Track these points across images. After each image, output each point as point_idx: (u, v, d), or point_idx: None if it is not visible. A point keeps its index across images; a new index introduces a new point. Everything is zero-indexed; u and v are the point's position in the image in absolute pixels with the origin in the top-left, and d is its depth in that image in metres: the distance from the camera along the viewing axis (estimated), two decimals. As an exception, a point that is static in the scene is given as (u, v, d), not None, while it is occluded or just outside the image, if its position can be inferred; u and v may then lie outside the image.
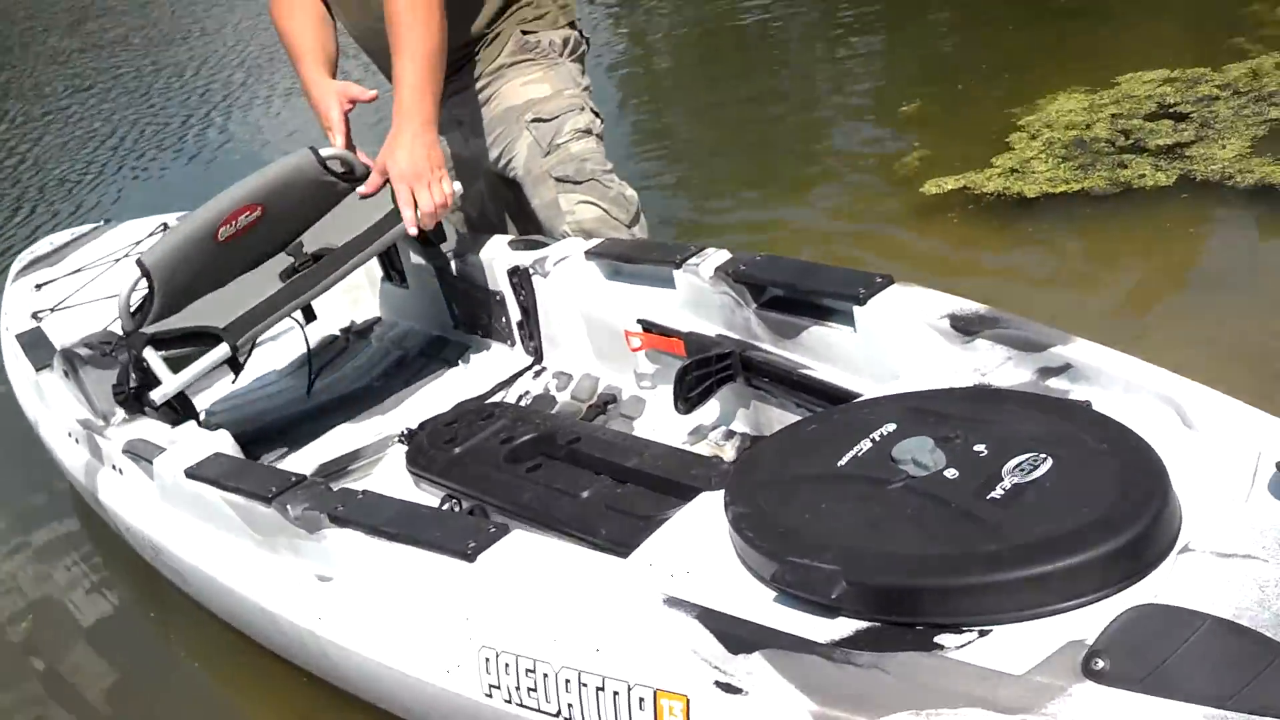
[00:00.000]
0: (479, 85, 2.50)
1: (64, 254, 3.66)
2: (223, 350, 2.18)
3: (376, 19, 2.32)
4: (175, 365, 2.24)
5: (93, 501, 2.49)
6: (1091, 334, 1.78)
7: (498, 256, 2.46)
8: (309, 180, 2.33)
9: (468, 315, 2.64)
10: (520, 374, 2.48)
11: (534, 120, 2.44)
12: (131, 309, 2.25)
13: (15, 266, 3.75)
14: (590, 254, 2.34)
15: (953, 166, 3.69)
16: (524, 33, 2.49)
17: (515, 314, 2.47)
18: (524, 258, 2.42)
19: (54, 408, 2.59)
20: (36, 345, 2.87)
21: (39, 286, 3.44)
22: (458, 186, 2.31)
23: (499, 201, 2.69)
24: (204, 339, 2.21)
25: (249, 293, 2.24)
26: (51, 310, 3.25)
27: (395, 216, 2.26)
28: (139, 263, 2.22)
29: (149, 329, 2.22)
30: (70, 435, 2.48)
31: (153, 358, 2.18)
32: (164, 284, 2.21)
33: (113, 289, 3.45)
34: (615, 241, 2.39)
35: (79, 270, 3.52)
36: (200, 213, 2.26)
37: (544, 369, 2.48)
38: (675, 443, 2.14)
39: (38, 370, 2.74)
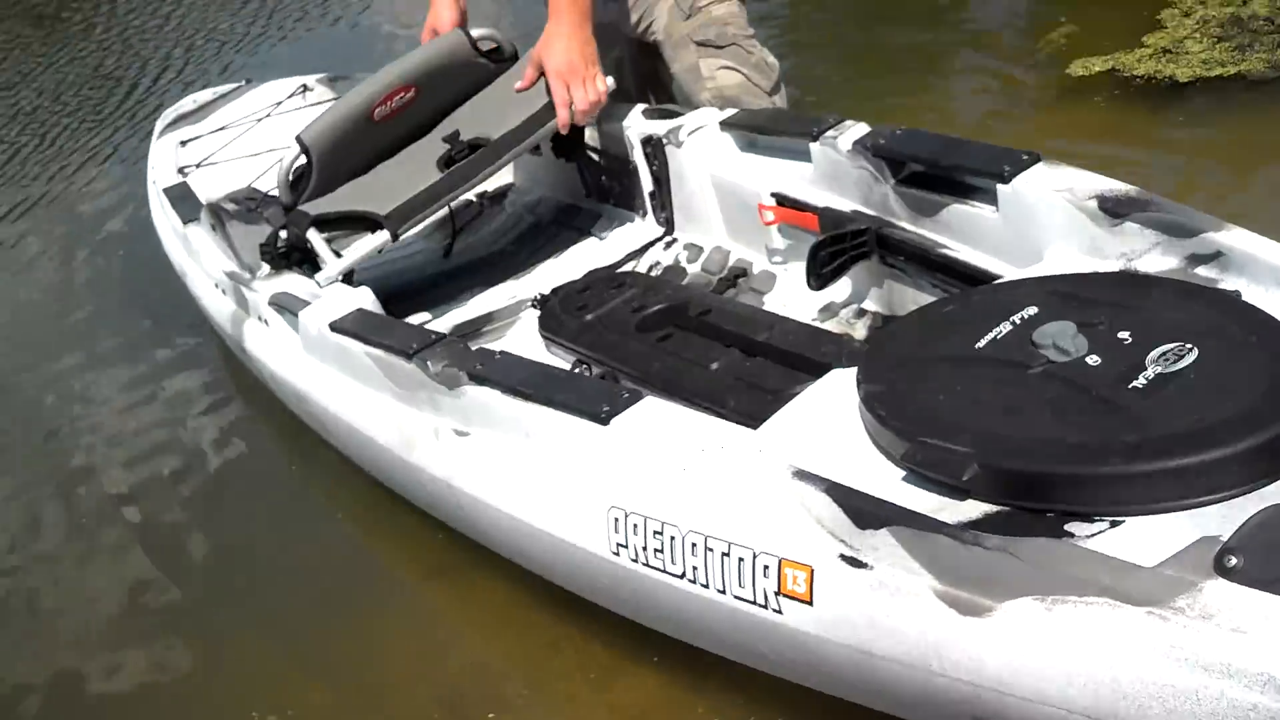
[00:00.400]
0: None
1: (207, 112, 3.76)
2: (383, 236, 2.25)
3: None
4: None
5: (238, 350, 2.61)
6: (1245, 224, 1.72)
7: (632, 125, 2.46)
8: (461, 62, 2.40)
9: (600, 184, 2.65)
10: (651, 244, 2.50)
11: None
12: (290, 180, 2.33)
13: (160, 123, 3.87)
14: (725, 125, 2.32)
15: (1101, 46, 3.52)
16: None
17: (648, 184, 2.48)
18: (658, 127, 2.42)
19: (201, 260, 2.70)
20: (183, 199, 2.97)
21: (184, 143, 3.54)
22: (610, 82, 2.32)
23: (637, 70, 2.68)
24: (365, 223, 2.27)
25: (408, 179, 2.31)
26: (197, 166, 3.36)
27: (549, 111, 2.30)
28: (298, 139, 2.30)
29: (310, 208, 2.29)
30: (217, 286, 2.59)
31: (316, 239, 2.26)
32: (321, 160, 2.30)
33: (255, 147, 3.56)
34: (750, 112, 2.37)
35: (222, 128, 3.62)
36: (357, 92, 2.34)
37: (675, 240, 2.49)
38: (806, 319, 2.15)
39: (185, 224, 2.85)
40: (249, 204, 2.67)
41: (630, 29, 2.54)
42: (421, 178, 2.32)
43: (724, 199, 2.36)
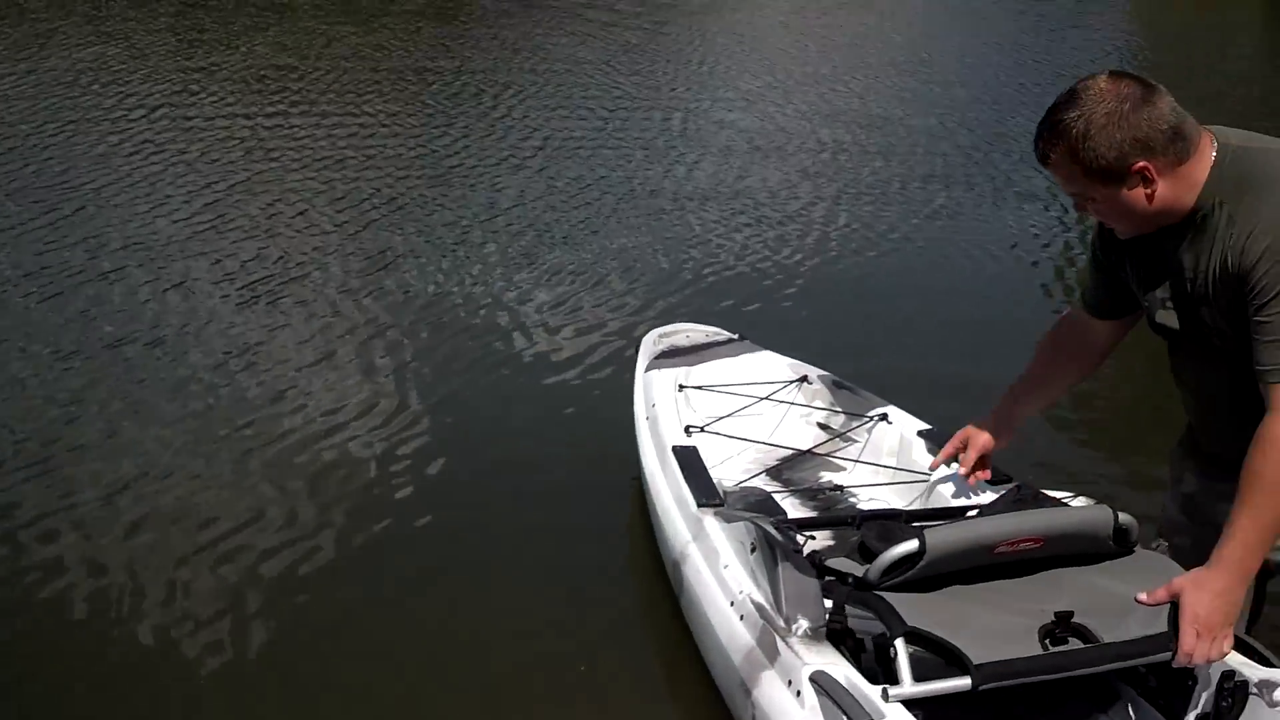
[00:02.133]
0: None
1: (700, 357, 3.72)
2: (965, 683, 2.05)
3: (1209, 410, 2.25)
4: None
5: (739, 690, 2.39)
6: None
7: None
8: (1092, 536, 2.24)
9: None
10: None
11: None
12: (888, 565, 2.18)
13: (649, 343, 3.85)
14: None
15: None
16: None
17: None
18: (1245, 671, 2.14)
19: (718, 565, 2.56)
20: (698, 475, 2.87)
21: (682, 388, 3.50)
22: (1228, 647, 2.11)
23: None
24: (951, 655, 2.09)
25: (1008, 635, 2.12)
26: (702, 429, 3.29)
27: (1165, 641, 2.09)
28: (921, 537, 2.16)
29: (908, 616, 2.12)
30: (733, 605, 2.43)
31: (902, 653, 2.08)
32: (931, 564, 2.16)
33: (755, 430, 3.49)
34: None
35: (721, 389, 3.57)
36: (992, 524, 2.23)
37: None
38: None
39: (699, 506, 2.74)
40: (790, 537, 2.52)
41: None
42: (1023, 641, 2.12)
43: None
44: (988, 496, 2.80)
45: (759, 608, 2.33)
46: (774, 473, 3.32)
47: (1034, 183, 7.76)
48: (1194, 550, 2.40)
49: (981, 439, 2.67)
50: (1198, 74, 11.23)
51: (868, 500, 3.20)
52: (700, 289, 5.96)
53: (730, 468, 3.30)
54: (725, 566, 2.53)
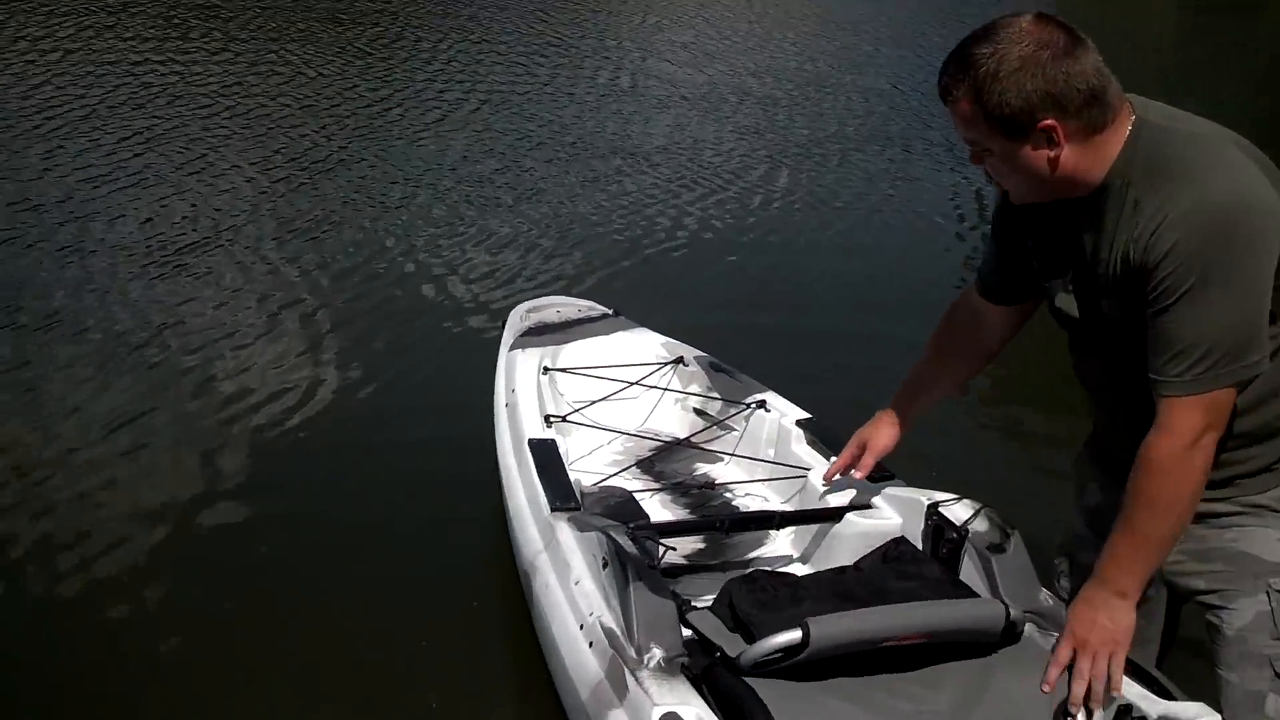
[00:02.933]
0: (1221, 507, 2.01)
1: (571, 335, 3.42)
2: None
3: (1113, 412, 2.02)
4: None
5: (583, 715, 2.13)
6: None
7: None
8: (983, 631, 2.03)
9: None
10: None
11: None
12: (769, 653, 1.92)
13: (516, 319, 3.54)
14: None
15: None
16: None
17: None
18: (1144, 705, 1.94)
19: (569, 578, 2.26)
20: (555, 475, 2.58)
21: (546, 370, 3.20)
22: (1115, 672, 1.92)
23: None
24: None
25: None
26: (563, 419, 3.00)
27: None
28: (805, 626, 1.89)
29: (779, 713, 1.86)
30: (583, 629, 2.16)
31: None
32: (814, 654, 1.91)
33: (626, 419, 3.21)
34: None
35: (589, 371, 3.28)
36: (882, 618, 1.97)
37: None
38: None
39: (552, 510, 2.45)
40: (648, 550, 2.24)
41: (1172, 574, 2.06)
42: None
43: None
44: (864, 495, 2.57)
45: (609, 634, 2.06)
46: (645, 465, 3.05)
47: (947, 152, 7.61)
48: None
49: (879, 444, 2.42)
50: (1112, 38, 11.18)
51: (743, 496, 2.95)
52: (588, 256, 5.67)
53: (595, 460, 3.02)
54: (576, 583, 2.25)
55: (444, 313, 4.96)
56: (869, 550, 2.47)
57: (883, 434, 2.42)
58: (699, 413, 3.27)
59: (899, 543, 2.32)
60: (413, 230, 5.86)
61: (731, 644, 1.99)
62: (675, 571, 2.59)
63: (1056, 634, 2.06)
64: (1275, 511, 1.96)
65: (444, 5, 11.54)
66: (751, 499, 2.94)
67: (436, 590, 3.08)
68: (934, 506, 2.39)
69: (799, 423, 2.96)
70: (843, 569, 2.28)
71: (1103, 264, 1.86)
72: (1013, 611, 2.03)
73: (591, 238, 5.94)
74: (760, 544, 2.71)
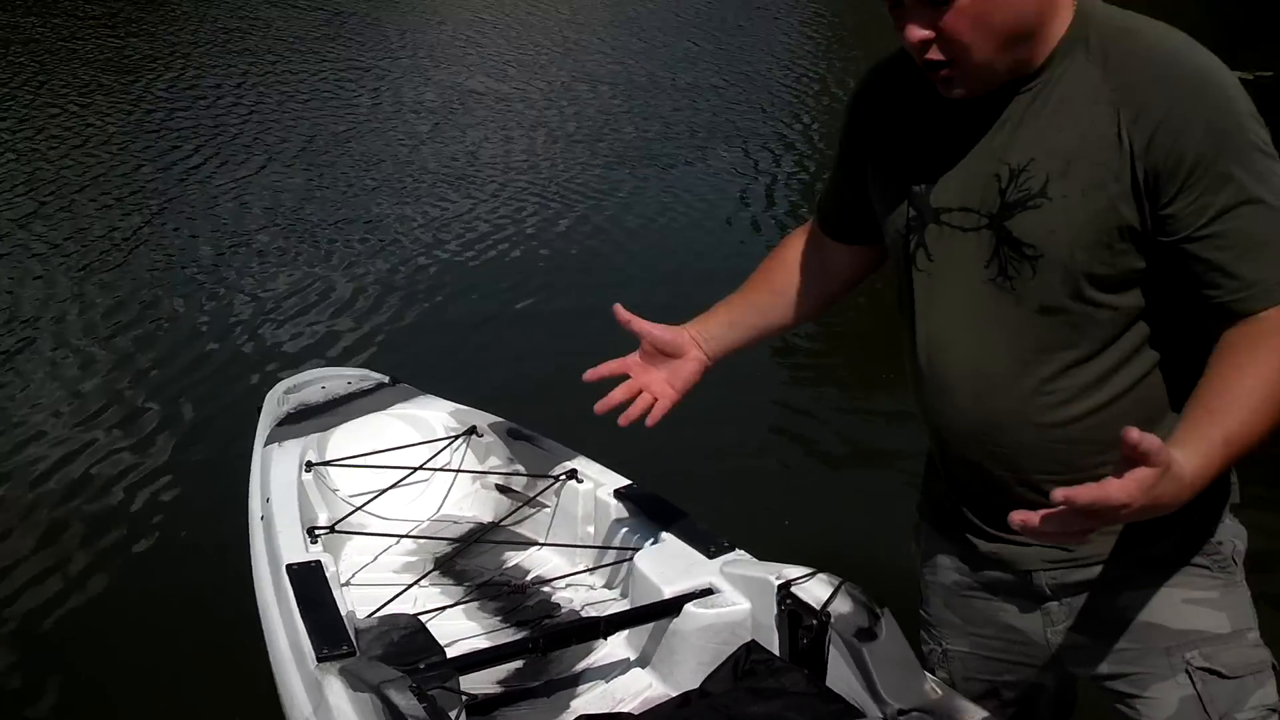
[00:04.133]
0: (1107, 570, 1.57)
1: (340, 416, 2.89)
2: None
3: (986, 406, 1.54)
4: None
5: None
6: None
7: None
8: None
9: None
10: None
11: (1203, 668, 1.55)
12: None
13: (272, 403, 2.98)
14: None
15: None
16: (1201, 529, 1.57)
17: None
18: None
19: None
20: (316, 607, 2.06)
21: (310, 466, 2.66)
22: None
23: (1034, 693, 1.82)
24: None
25: None
26: (332, 529, 2.46)
27: None
28: None
29: None
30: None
31: None
32: None
33: (418, 510, 2.72)
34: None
35: (364, 460, 2.76)
36: None
37: None
38: None
39: (319, 660, 1.93)
40: (442, 687, 1.76)
41: (1068, 646, 1.69)
42: None
43: None
44: (701, 573, 2.14)
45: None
46: (443, 567, 2.55)
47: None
48: (979, 661, 1.81)
49: (684, 375, 1.88)
50: None
51: (563, 589, 2.48)
52: (357, 317, 5.10)
53: (378, 574, 2.51)
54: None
55: (196, 403, 4.35)
56: (716, 646, 2.05)
57: (688, 362, 1.88)
58: (503, 490, 2.79)
59: (750, 649, 1.90)
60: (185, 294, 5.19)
61: None
62: (489, 706, 2.10)
63: None
64: (1175, 562, 1.59)
65: (233, 40, 10.75)
66: (575, 591, 2.47)
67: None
68: (785, 587, 1.98)
69: (617, 493, 2.51)
70: (686, 697, 1.83)
71: (1056, 159, 1.43)
72: None
73: (362, 298, 5.36)
74: (589, 652, 2.25)
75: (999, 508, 1.57)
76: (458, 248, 5.99)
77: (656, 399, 1.88)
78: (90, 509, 3.83)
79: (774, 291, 1.89)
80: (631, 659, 2.22)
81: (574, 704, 2.10)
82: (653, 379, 1.89)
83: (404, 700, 1.69)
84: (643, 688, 2.14)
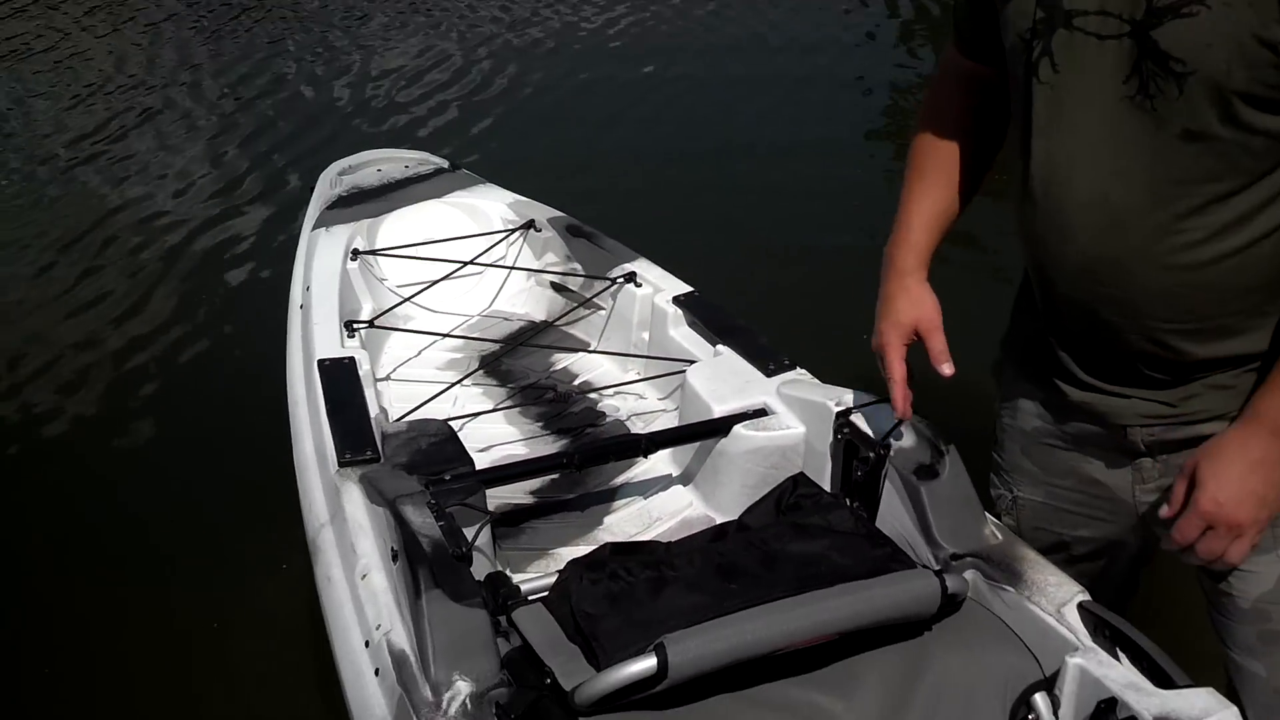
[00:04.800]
0: (1210, 430, 1.36)
1: (394, 202, 2.73)
2: None
3: (1116, 239, 1.32)
4: None
5: None
6: None
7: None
8: (911, 615, 1.46)
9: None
10: None
11: None
12: (619, 685, 1.33)
13: (325, 185, 2.83)
14: None
15: None
16: None
17: None
18: (1134, 699, 1.40)
19: (356, 569, 1.65)
20: (344, 407, 1.94)
21: (356, 254, 2.52)
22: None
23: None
24: None
25: None
26: (371, 324, 2.33)
27: None
28: (660, 648, 1.31)
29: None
30: (369, 648, 1.56)
31: None
32: (675, 682, 1.33)
33: (468, 304, 2.58)
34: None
35: (414, 250, 2.61)
36: (763, 626, 1.36)
37: None
38: None
39: (340, 465, 1.83)
40: (454, 516, 1.64)
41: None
42: None
43: None
44: (755, 393, 1.97)
45: (399, 660, 1.47)
46: (489, 368, 2.42)
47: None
48: (1051, 513, 1.63)
49: (931, 319, 1.57)
50: None
51: (611, 398, 2.34)
52: (413, 101, 4.84)
53: (421, 368, 2.40)
54: (364, 576, 1.64)
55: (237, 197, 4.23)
56: (764, 470, 1.91)
57: (926, 304, 1.56)
58: (558, 289, 2.64)
59: (797, 482, 1.74)
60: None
61: (567, 665, 1.42)
62: (518, 517, 2.00)
63: (1007, 588, 1.51)
64: None
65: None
66: (623, 400, 2.34)
67: (226, 575, 2.53)
68: (845, 414, 1.81)
69: (676, 300, 2.34)
70: (722, 530, 1.69)
71: None
72: (950, 584, 1.47)
73: (428, 81, 5.10)
74: (629, 466, 2.12)
75: (1102, 354, 1.41)
76: (550, 40, 5.65)
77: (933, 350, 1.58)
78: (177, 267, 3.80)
79: (950, 183, 1.57)
80: (674, 475, 2.10)
81: (608, 520, 1.99)
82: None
83: (419, 517, 1.58)
84: (682, 507, 2.02)
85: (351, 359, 2.07)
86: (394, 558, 1.57)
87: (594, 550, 1.61)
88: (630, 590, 1.48)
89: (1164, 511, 1.34)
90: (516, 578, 1.69)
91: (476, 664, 1.41)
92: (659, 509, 2.01)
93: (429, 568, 1.48)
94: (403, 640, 1.49)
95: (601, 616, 1.44)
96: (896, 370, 1.56)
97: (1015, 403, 1.60)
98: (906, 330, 1.56)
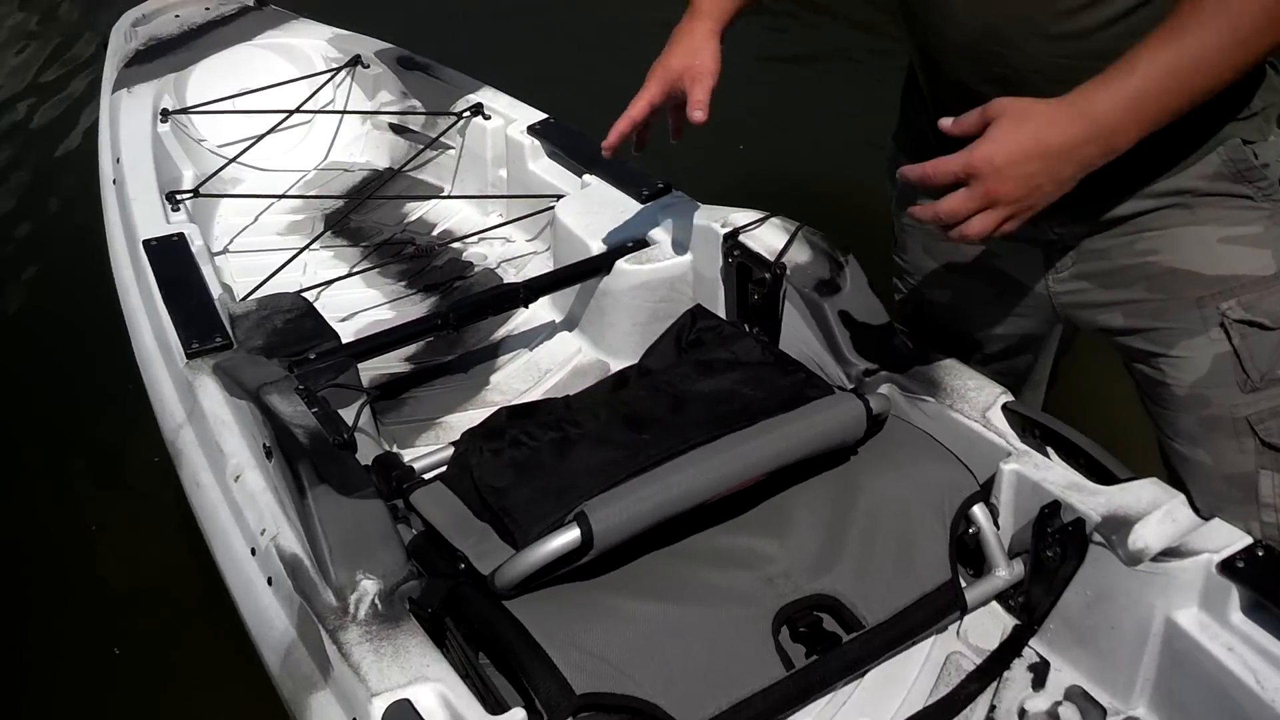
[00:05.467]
0: (1129, 204, 1.31)
1: (195, 51, 2.43)
2: None
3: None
4: None
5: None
6: None
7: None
8: (837, 443, 1.36)
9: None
10: None
11: (1241, 320, 1.29)
12: (546, 560, 1.19)
13: (118, 40, 2.49)
14: None
15: None
16: (1244, 142, 1.26)
17: None
18: (1078, 500, 1.36)
19: (226, 471, 1.46)
20: (181, 290, 1.73)
21: (166, 115, 2.25)
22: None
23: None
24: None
25: (730, 657, 1.21)
26: (196, 192, 2.08)
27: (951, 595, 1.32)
28: (581, 516, 1.18)
29: (566, 664, 1.15)
30: (256, 557, 1.40)
31: None
32: (602, 551, 1.21)
33: (299, 158, 2.34)
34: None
35: (225, 105, 2.33)
36: (687, 478, 1.25)
37: None
38: None
39: (188, 357, 1.63)
40: (326, 398, 1.48)
41: (1088, 323, 1.42)
42: (748, 660, 1.23)
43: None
44: (635, 226, 1.84)
45: (292, 565, 1.32)
46: (337, 227, 2.22)
47: None
48: (961, 313, 1.56)
49: (706, 68, 1.48)
50: None
51: (476, 246, 2.17)
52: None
53: (261, 236, 2.18)
54: (237, 478, 1.47)
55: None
56: (653, 305, 1.79)
57: (704, 53, 1.48)
58: (398, 130, 2.42)
59: (695, 316, 1.62)
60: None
61: (479, 546, 1.30)
62: (397, 387, 1.85)
63: (926, 398, 1.45)
64: (1207, 195, 1.29)
65: None
66: (489, 246, 2.17)
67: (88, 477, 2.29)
68: (733, 236, 1.69)
69: (532, 130, 2.16)
70: (624, 376, 1.57)
71: None
72: (874, 404, 1.39)
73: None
74: (509, 318, 1.98)
75: None
76: None
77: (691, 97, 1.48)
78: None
79: None
80: (558, 321, 1.96)
81: (494, 379, 1.86)
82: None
83: (289, 407, 1.41)
84: (571, 354, 1.90)
85: (181, 235, 1.84)
86: (268, 455, 1.41)
87: (488, 417, 1.47)
88: (535, 455, 1.36)
89: (944, 124, 1.17)
90: (407, 455, 1.56)
91: (380, 559, 1.28)
92: (547, 360, 1.88)
93: (309, 461, 1.32)
94: (293, 543, 1.34)
95: (509, 488, 1.32)
96: (635, 105, 1.49)
97: (913, 200, 1.50)
98: (672, 78, 1.49)
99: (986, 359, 1.57)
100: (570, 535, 1.20)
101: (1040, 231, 1.37)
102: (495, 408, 1.63)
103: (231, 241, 2.15)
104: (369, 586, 1.26)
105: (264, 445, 1.41)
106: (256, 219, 2.23)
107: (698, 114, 1.46)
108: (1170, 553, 1.23)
